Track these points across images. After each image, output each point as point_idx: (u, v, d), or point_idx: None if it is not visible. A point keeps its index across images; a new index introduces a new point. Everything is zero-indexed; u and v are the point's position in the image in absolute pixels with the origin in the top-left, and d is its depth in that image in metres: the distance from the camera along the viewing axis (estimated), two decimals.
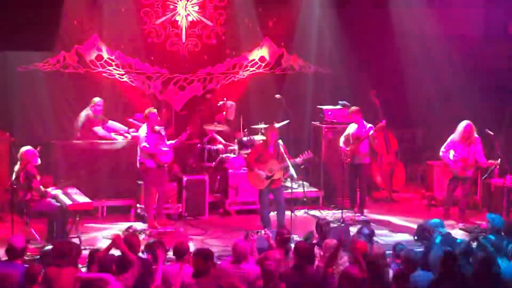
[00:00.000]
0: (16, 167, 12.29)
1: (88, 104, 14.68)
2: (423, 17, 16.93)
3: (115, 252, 9.64)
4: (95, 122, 14.52)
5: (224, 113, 15.61)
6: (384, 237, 13.04)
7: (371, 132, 14.48)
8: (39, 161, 12.34)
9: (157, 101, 16.22)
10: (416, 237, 12.23)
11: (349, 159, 14.51)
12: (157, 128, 13.58)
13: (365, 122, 14.62)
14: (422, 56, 17.12)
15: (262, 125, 15.15)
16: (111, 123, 14.94)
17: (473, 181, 14.69)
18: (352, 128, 14.70)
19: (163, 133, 13.67)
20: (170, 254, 9.96)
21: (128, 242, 9.60)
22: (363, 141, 14.48)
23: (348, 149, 14.52)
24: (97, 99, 14.64)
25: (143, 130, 13.56)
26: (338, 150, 14.75)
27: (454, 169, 14.14)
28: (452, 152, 14.12)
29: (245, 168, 14.20)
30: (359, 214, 14.47)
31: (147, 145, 13.38)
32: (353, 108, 14.74)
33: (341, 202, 14.47)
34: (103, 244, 11.25)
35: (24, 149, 12.36)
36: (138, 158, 13.57)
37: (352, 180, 14.77)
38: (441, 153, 14.24)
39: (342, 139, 14.72)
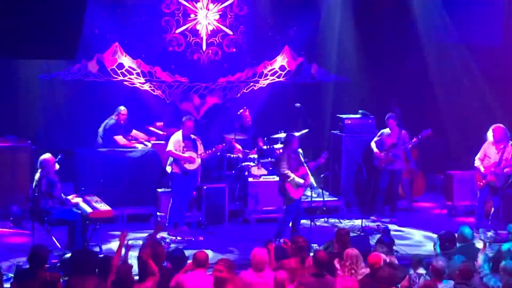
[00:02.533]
0: (37, 175, 12.35)
1: (110, 112, 14.75)
2: (443, 26, 16.90)
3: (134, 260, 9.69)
4: (118, 131, 14.59)
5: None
6: (404, 247, 13.00)
7: (414, 140, 14.56)
8: (57, 166, 12.37)
9: (177, 110, 16.28)
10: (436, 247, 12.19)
11: (383, 165, 14.61)
12: (192, 136, 13.63)
13: (399, 129, 14.73)
14: (443, 64, 17.08)
15: (282, 134, 15.16)
16: (135, 133, 15.01)
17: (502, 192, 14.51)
18: (386, 133, 14.77)
19: (198, 142, 13.73)
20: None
21: (154, 251, 9.63)
22: (402, 148, 14.58)
23: (383, 154, 14.61)
24: (121, 108, 14.69)
25: (174, 135, 13.62)
26: (358, 157, 14.81)
27: (486, 175, 13.94)
28: (485, 160, 13.98)
29: (265, 176, 14.25)
30: (389, 219, 14.65)
31: (173, 149, 13.44)
32: (390, 114, 14.77)
33: (361, 210, 14.49)
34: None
35: (44, 156, 12.41)
36: (168, 163, 13.64)
37: (385, 186, 14.86)
38: (475, 162, 14.09)
39: (374, 144, 14.81)
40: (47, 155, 12.41)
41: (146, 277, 9.21)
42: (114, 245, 12.79)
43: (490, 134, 13.89)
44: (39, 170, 12.32)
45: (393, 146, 14.67)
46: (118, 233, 13.34)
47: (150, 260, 9.34)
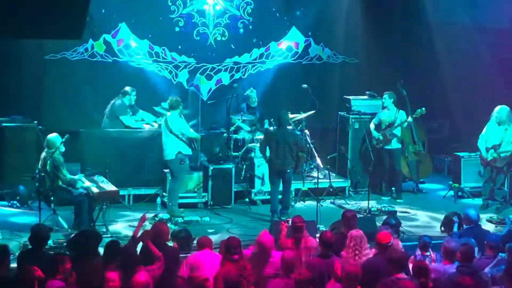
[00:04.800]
0: (42, 155, 12.36)
1: (116, 93, 14.73)
2: (451, 7, 16.83)
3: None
4: (125, 111, 14.56)
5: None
6: (410, 228, 12.99)
7: (410, 118, 14.59)
8: (63, 149, 12.37)
9: (184, 90, 16.25)
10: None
11: (381, 144, 14.62)
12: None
13: (396, 108, 14.72)
14: (450, 46, 17.00)
15: (289, 115, 15.11)
16: (142, 113, 14.99)
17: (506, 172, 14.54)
18: (384, 113, 14.78)
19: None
20: None
21: (158, 230, 9.62)
22: (397, 127, 14.56)
23: (380, 134, 14.64)
24: (130, 89, 14.66)
25: (179, 119, 13.55)
26: (367, 137, 14.79)
27: (485, 156, 14.05)
28: (488, 139, 14.08)
29: None
30: (395, 200, 14.74)
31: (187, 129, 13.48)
32: (388, 93, 14.78)
33: (367, 191, 14.46)
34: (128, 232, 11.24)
35: (51, 136, 12.43)
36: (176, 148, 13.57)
37: (385, 166, 14.86)
38: (479, 140, 14.20)
39: (372, 125, 14.83)
40: (54, 135, 12.42)
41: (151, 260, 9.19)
42: (120, 225, 12.86)
43: (494, 115, 14.00)
44: (45, 150, 12.34)
45: (390, 125, 14.71)
46: (124, 214, 13.51)
47: (152, 245, 9.32)
